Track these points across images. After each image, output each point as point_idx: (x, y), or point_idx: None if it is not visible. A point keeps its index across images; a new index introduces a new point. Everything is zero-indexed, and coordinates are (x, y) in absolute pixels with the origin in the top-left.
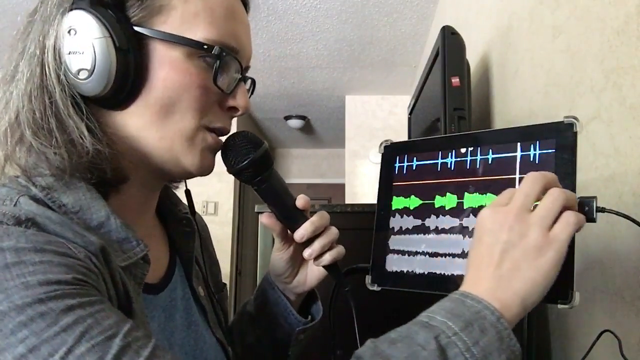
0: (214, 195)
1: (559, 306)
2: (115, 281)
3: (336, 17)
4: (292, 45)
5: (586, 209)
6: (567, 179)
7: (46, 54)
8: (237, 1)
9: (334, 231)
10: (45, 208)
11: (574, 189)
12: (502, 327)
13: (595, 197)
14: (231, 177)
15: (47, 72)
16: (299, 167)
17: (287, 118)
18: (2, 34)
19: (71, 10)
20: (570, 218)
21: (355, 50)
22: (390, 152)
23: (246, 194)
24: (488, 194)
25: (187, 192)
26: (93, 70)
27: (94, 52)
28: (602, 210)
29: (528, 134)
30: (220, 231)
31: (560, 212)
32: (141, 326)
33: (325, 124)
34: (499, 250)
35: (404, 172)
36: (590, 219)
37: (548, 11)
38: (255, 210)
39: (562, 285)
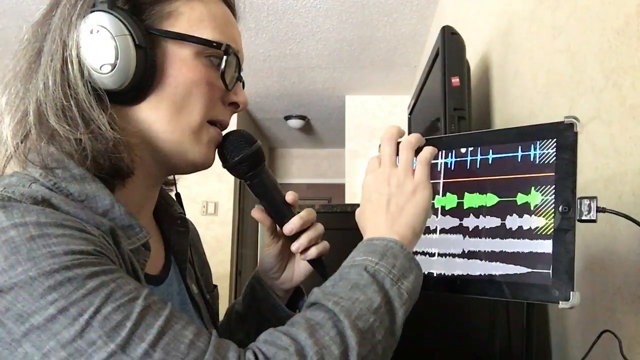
0: (214, 195)
1: (559, 306)
2: (125, 261)
3: (336, 17)
4: (292, 45)
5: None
6: (568, 179)
7: (69, 51)
8: (230, 12)
9: (320, 227)
10: (55, 193)
11: (574, 189)
12: (406, 252)
13: (595, 197)
14: (231, 177)
15: (70, 67)
16: (299, 167)
17: (287, 118)
18: (2, 34)
19: (92, 12)
20: (419, 157)
21: (355, 50)
22: None
23: (246, 194)
24: (488, 194)
25: (177, 195)
26: (116, 65)
27: (117, 48)
28: (602, 210)
29: (528, 134)
30: (220, 231)
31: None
32: None
33: (325, 124)
34: (385, 201)
35: None
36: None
37: (548, 11)
38: None
39: (562, 285)
